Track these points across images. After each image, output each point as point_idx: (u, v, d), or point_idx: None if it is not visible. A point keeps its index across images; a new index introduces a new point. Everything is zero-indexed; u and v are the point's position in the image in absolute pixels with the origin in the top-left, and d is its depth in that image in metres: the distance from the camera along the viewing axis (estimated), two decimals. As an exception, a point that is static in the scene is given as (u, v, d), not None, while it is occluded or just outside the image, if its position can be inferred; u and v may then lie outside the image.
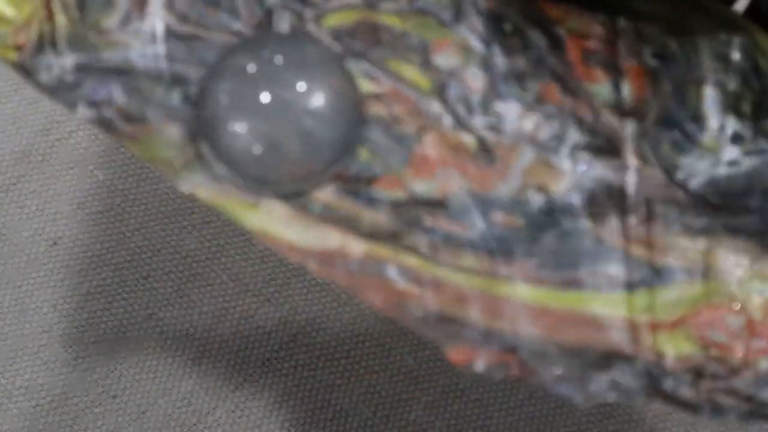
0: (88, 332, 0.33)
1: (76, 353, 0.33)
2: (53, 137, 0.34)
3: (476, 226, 0.21)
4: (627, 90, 0.21)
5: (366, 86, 0.21)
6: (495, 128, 0.21)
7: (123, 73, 0.20)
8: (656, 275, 0.21)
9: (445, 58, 0.21)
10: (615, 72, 0.21)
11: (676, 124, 0.21)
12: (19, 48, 0.20)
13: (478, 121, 0.21)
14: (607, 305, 0.21)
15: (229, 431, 0.32)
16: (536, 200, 0.21)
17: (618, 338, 0.20)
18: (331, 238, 0.21)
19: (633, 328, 0.20)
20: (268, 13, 0.21)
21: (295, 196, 0.21)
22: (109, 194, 0.34)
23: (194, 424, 0.32)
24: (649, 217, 0.21)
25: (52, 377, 0.33)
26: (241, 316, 0.34)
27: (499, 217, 0.21)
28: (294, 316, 0.33)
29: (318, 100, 0.20)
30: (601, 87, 0.21)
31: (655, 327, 0.20)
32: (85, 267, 0.34)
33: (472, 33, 0.21)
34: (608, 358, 0.20)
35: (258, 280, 0.33)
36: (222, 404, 0.33)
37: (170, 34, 0.21)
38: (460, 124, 0.21)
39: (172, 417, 0.32)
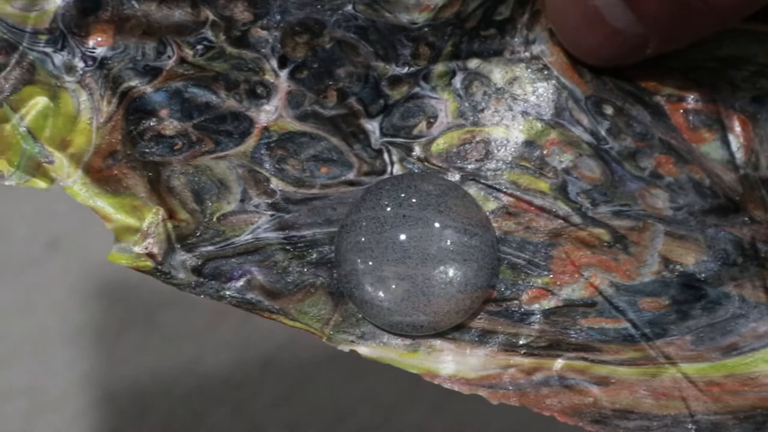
0: (88, 332, 0.33)
1: (76, 353, 0.33)
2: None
3: (628, 316, 0.21)
4: (735, 142, 0.21)
5: (489, 204, 0.21)
6: (622, 214, 0.21)
7: (256, 252, 0.21)
8: None
9: (557, 157, 0.21)
10: (720, 127, 0.21)
11: None
12: (152, 256, 0.20)
13: (605, 211, 0.21)
14: (763, 362, 0.21)
15: (229, 431, 0.32)
16: (677, 277, 0.21)
17: None
18: (495, 363, 0.21)
19: None
20: (378, 154, 0.21)
21: (452, 331, 0.21)
22: (109, 194, 0.34)
23: (194, 425, 0.32)
24: None
25: (52, 378, 0.33)
26: (241, 316, 0.34)
27: (646, 302, 0.21)
28: (294, 317, 0.33)
29: (453, 233, 0.20)
30: (710, 146, 0.21)
31: None
32: (85, 267, 0.34)
33: (576, 125, 0.21)
34: None
35: (258, 280, 0.34)
36: (222, 404, 0.33)
37: (288, 200, 0.21)
38: (589, 218, 0.21)
39: (172, 417, 0.32)
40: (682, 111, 0.21)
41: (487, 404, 0.34)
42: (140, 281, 0.34)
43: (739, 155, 0.21)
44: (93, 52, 0.21)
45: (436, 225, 0.20)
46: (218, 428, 0.32)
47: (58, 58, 0.21)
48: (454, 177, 0.21)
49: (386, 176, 0.21)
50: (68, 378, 0.33)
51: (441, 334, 0.21)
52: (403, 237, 0.20)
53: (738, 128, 0.21)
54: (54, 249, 0.34)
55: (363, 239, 0.20)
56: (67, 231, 0.34)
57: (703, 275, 0.21)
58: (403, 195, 0.20)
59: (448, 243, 0.20)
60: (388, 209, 0.20)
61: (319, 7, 0.21)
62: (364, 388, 0.33)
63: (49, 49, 0.21)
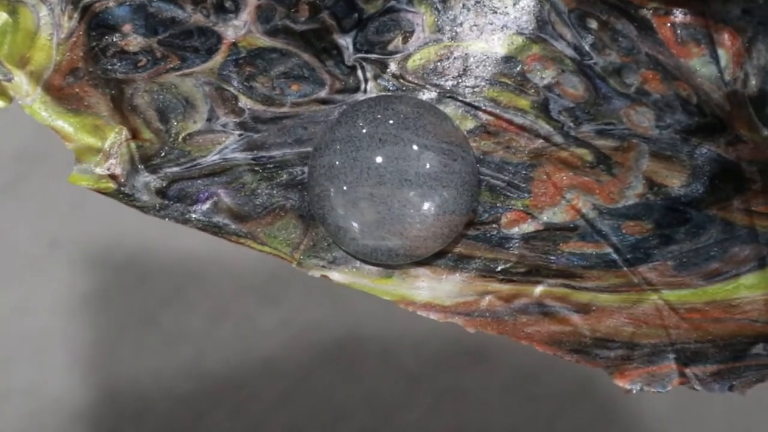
0: (88, 332, 0.33)
1: (76, 353, 0.33)
2: (53, 137, 0.34)
3: (610, 240, 0.21)
4: (724, 57, 0.20)
5: (468, 123, 0.20)
6: (606, 133, 0.20)
7: (223, 173, 0.20)
8: None
9: (538, 73, 0.20)
10: (709, 41, 0.20)
11: None
12: (114, 177, 0.20)
13: (588, 130, 0.20)
14: (745, 289, 0.20)
15: (229, 431, 0.32)
16: (662, 200, 0.21)
17: (761, 318, 0.20)
18: (472, 289, 0.20)
19: None
20: (352, 71, 0.20)
21: (429, 258, 0.20)
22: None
23: (194, 425, 0.33)
24: (766, 186, 0.20)
25: (52, 378, 0.33)
26: (241, 316, 0.34)
27: (629, 226, 0.21)
28: (294, 316, 0.33)
29: (431, 156, 0.19)
30: (698, 61, 0.20)
31: None
32: (84, 267, 0.34)
33: (559, 39, 0.20)
34: (756, 342, 0.20)
35: (258, 280, 0.34)
36: (222, 404, 0.33)
37: (257, 119, 0.20)
38: (571, 137, 0.20)
39: (171, 417, 0.32)
40: (669, 24, 0.20)
41: (487, 406, 0.34)
42: (140, 281, 0.34)
43: (728, 71, 0.20)
44: None
45: (414, 147, 0.19)
46: (218, 428, 0.32)
47: None
48: (431, 95, 0.20)
49: (360, 95, 0.20)
50: (68, 378, 0.33)
51: (418, 263, 0.20)
52: (379, 160, 0.19)
53: (728, 42, 0.20)
54: (54, 249, 0.34)
55: (337, 162, 0.19)
56: (67, 231, 0.34)
57: (687, 198, 0.21)
58: (379, 116, 0.19)
59: (427, 166, 0.19)
60: (364, 131, 0.19)
61: None
62: (364, 388, 0.33)
63: None
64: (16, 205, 0.34)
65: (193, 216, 0.20)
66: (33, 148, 0.34)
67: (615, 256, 0.20)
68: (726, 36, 0.20)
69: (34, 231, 0.34)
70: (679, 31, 0.20)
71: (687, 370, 0.20)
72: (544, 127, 0.20)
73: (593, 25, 0.20)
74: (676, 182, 0.21)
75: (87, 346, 0.33)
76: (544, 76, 0.20)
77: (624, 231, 0.21)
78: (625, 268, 0.20)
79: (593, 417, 0.33)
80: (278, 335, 0.33)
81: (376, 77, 0.20)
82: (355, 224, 0.19)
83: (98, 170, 0.20)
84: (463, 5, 0.21)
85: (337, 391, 0.33)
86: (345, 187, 0.19)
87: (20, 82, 0.20)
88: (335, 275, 0.20)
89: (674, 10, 0.20)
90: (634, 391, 0.20)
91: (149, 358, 0.33)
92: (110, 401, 0.33)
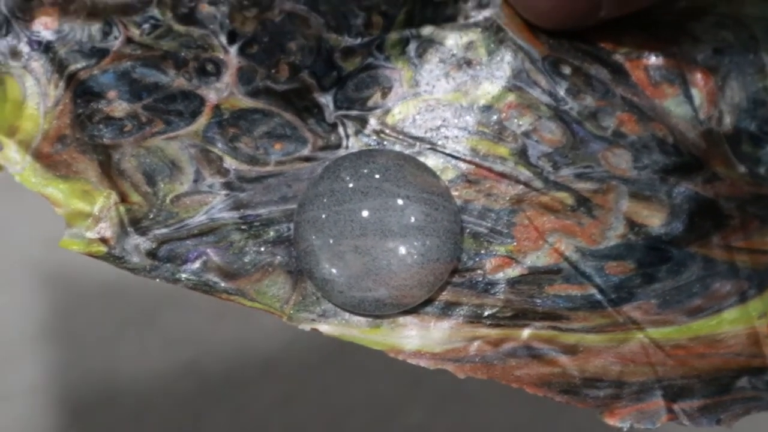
0: (88, 333, 0.33)
1: (76, 353, 0.33)
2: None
3: (594, 281, 0.21)
4: (698, 96, 0.21)
5: (449, 173, 0.21)
6: (585, 176, 0.21)
7: (211, 232, 0.20)
8: (764, 278, 0.21)
9: (516, 121, 0.21)
10: (682, 81, 0.21)
11: (751, 118, 0.21)
12: (104, 241, 0.20)
13: (567, 174, 0.21)
14: (727, 324, 0.21)
15: (229, 431, 0.32)
16: (643, 240, 0.21)
17: (744, 352, 0.21)
18: (460, 336, 0.21)
19: (754, 338, 0.21)
20: (333, 128, 0.21)
21: (418, 308, 0.20)
22: (108, 194, 0.34)
23: (194, 425, 0.33)
24: (744, 221, 0.21)
25: (52, 378, 0.33)
26: (241, 316, 0.34)
27: (611, 267, 0.21)
28: (294, 317, 0.34)
29: (415, 208, 0.19)
30: (672, 101, 0.21)
31: None
32: (84, 267, 0.34)
33: (534, 87, 0.21)
34: (741, 376, 0.21)
35: (258, 280, 0.34)
36: (222, 404, 0.33)
37: (242, 179, 0.21)
38: (551, 182, 0.21)
39: (171, 417, 0.32)
40: (642, 67, 0.21)
41: (488, 407, 0.34)
42: (140, 281, 0.34)
43: (703, 110, 0.21)
44: (38, 36, 0.20)
45: (397, 199, 0.19)
46: (218, 428, 0.32)
47: (3, 44, 0.20)
48: (412, 147, 0.21)
49: (342, 151, 0.21)
50: (68, 378, 0.33)
51: (405, 312, 0.20)
52: (363, 212, 0.19)
53: (701, 82, 0.21)
54: (54, 249, 0.34)
55: (323, 216, 0.19)
56: (66, 231, 0.34)
57: (668, 237, 0.21)
58: (361, 170, 0.20)
59: (410, 217, 0.19)
60: (347, 185, 0.19)
61: None
62: (364, 388, 0.33)
63: None
64: (16, 204, 0.34)
65: (183, 276, 0.20)
66: (33, 148, 0.34)
67: (599, 296, 0.21)
68: (699, 76, 0.21)
69: (34, 231, 0.34)
70: (652, 73, 0.21)
71: (675, 406, 0.21)
72: (524, 173, 0.21)
73: (567, 71, 0.21)
74: (656, 221, 0.21)
75: (87, 346, 0.33)
76: (521, 123, 0.21)
77: (607, 272, 0.21)
78: (609, 309, 0.21)
79: (593, 417, 0.33)
80: (278, 335, 0.33)
81: (357, 133, 0.21)
82: (341, 277, 0.19)
83: (89, 234, 0.20)
84: (440, 59, 0.21)
85: (337, 391, 0.33)
86: (330, 241, 0.19)
87: (10, 150, 0.20)
88: (324, 327, 0.20)
89: (646, 53, 0.21)
90: (625, 429, 0.21)
91: (149, 358, 0.33)
92: (110, 401, 0.33)
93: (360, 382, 0.33)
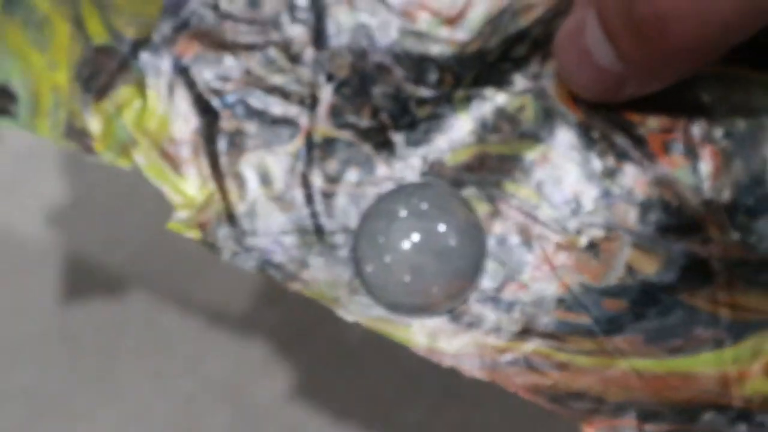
0: (88, 332, 0.33)
1: (76, 353, 0.33)
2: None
3: (591, 313, 0.24)
4: (704, 171, 0.24)
5: (484, 208, 0.25)
6: (597, 225, 0.25)
7: (289, 233, 0.25)
8: (740, 331, 0.25)
9: (546, 170, 0.25)
10: (693, 156, 0.25)
11: (749, 194, 0.24)
12: (202, 226, 0.25)
13: (583, 220, 0.25)
14: (702, 365, 0.25)
15: (229, 431, 0.32)
16: (638, 284, 0.24)
17: (713, 390, 0.25)
18: (474, 342, 0.25)
19: (724, 380, 0.25)
20: (401, 162, 0.25)
21: (444, 314, 0.25)
22: (109, 194, 0.34)
23: (194, 424, 0.33)
24: (730, 280, 0.24)
25: (52, 378, 0.33)
26: (241, 316, 0.34)
27: (608, 303, 0.24)
28: (294, 316, 0.33)
29: (454, 234, 0.24)
30: (682, 171, 0.24)
31: (742, 376, 0.25)
32: (84, 267, 0.34)
33: (565, 145, 0.25)
34: (707, 410, 0.25)
35: (258, 280, 0.34)
36: (222, 404, 0.33)
37: (322, 193, 0.25)
38: (569, 226, 0.25)
39: (172, 417, 0.32)
40: (660, 141, 0.25)
41: (487, 406, 0.34)
42: (140, 281, 0.34)
43: (707, 182, 0.24)
44: (179, 61, 0.26)
45: (441, 225, 0.24)
46: (218, 428, 0.32)
47: (150, 63, 0.26)
48: (462, 185, 0.25)
49: (404, 181, 0.25)
50: (68, 378, 0.33)
51: (433, 316, 0.24)
52: (412, 233, 0.23)
53: (709, 158, 0.25)
54: (55, 249, 0.34)
55: (378, 232, 0.24)
56: (67, 231, 0.34)
57: (661, 284, 0.24)
58: (415, 199, 0.24)
59: (450, 242, 0.23)
60: (402, 208, 0.24)
61: (365, 39, 0.24)
62: (364, 388, 0.33)
63: (144, 56, 0.26)
64: (16, 205, 0.34)
65: (259, 264, 0.25)
66: (34, 149, 0.34)
67: (594, 326, 0.24)
68: (708, 152, 0.24)
69: (34, 231, 0.34)
70: (668, 146, 0.25)
71: (645, 426, 0.25)
72: (548, 214, 0.25)
73: (596, 135, 0.25)
74: (652, 270, 0.24)
75: (87, 346, 0.33)
76: (551, 173, 0.25)
77: (603, 306, 0.24)
78: (601, 337, 0.24)
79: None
80: (278, 335, 0.33)
81: (418, 167, 0.25)
82: (389, 283, 0.24)
83: (190, 220, 0.25)
84: (495, 116, 0.25)
85: (337, 391, 0.33)
86: (382, 252, 0.24)
87: (142, 148, 0.25)
88: (365, 321, 0.25)
89: (667, 129, 0.25)
90: None
91: (149, 358, 0.33)
92: (110, 401, 0.33)
93: (359, 382, 0.33)
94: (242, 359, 0.33)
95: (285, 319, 0.33)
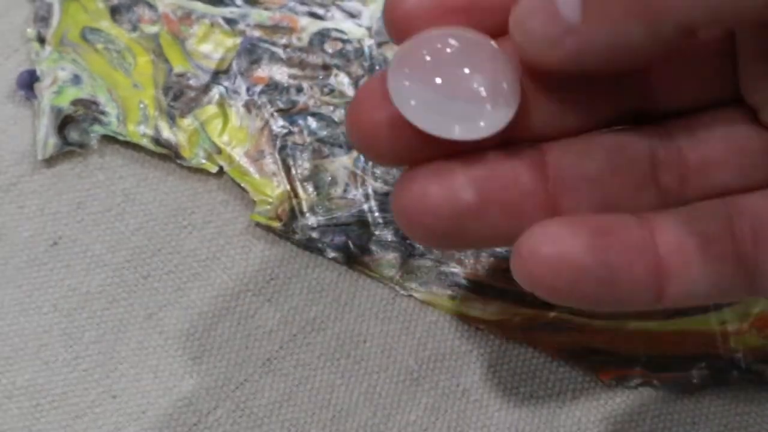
0: (88, 332, 0.33)
1: (76, 353, 0.33)
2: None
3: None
4: None
5: None
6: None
7: (351, 224, 0.32)
8: (718, 304, 0.32)
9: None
10: None
11: None
12: (279, 218, 0.32)
13: None
14: (694, 324, 0.32)
15: (229, 431, 0.32)
16: None
17: (703, 344, 0.32)
18: (508, 311, 0.32)
19: (711, 337, 0.32)
20: None
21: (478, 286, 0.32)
22: (109, 194, 0.34)
23: (194, 424, 0.32)
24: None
25: (52, 377, 0.33)
26: (241, 316, 0.34)
27: None
28: (294, 316, 0.33)
29: None
30: None
31: (726, 334, 0.32)
32: (85, 267, 0.34)
33: None
34: (700, 360, 0.32)
35: (258, 280, 0.33)
36: (222, 404, 0.33)
37: (376, 192, 0.33)
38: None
39: (172, 417, 0.32)
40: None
41: (487, 405, 0.34)
42: (140, 281, 0.34)
43: None
44: (254, 87, 0.33)
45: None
46: (218, 428, 0.32)
47: (231, 89, 0.33)
48: None
49: None
50: (68, 378, 0.33)
51: (474, 292, 0.32)
52: None
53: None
54: (55, 249, 0.34)
55: None
56: (68, 231, 0.34)
57: None
58: None
59: None
60: None
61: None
62: (364, 388, 0.33)
63: (226, 83, 0.34)
64: (16, 205, 0.34)
65: (327, 249, 0.33)
66: (34, 149, 0.34)
67: None
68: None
69: (34, 231, 0.34)
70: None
71: (649, 374, 0.32)
72: None
73: None
74: None
75: (87, 346, 0.33)
76: None
77: None
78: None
79: (593, 416, 0.33)
80: (278, 335, 0.33)
81: None
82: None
83: (270, 213, 0.33)
84: None
85: (337, 391, 0.33)
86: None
87: (226, 155, 0.33)
88: (417, 295, 0.33)
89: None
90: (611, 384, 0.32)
91: (149, 357, 0.33)
92: (110, 401, 0.33)
93: (359, 381, 0.33)
94: (242, 359, 0.33)
95: (285, 319, 0.33)
